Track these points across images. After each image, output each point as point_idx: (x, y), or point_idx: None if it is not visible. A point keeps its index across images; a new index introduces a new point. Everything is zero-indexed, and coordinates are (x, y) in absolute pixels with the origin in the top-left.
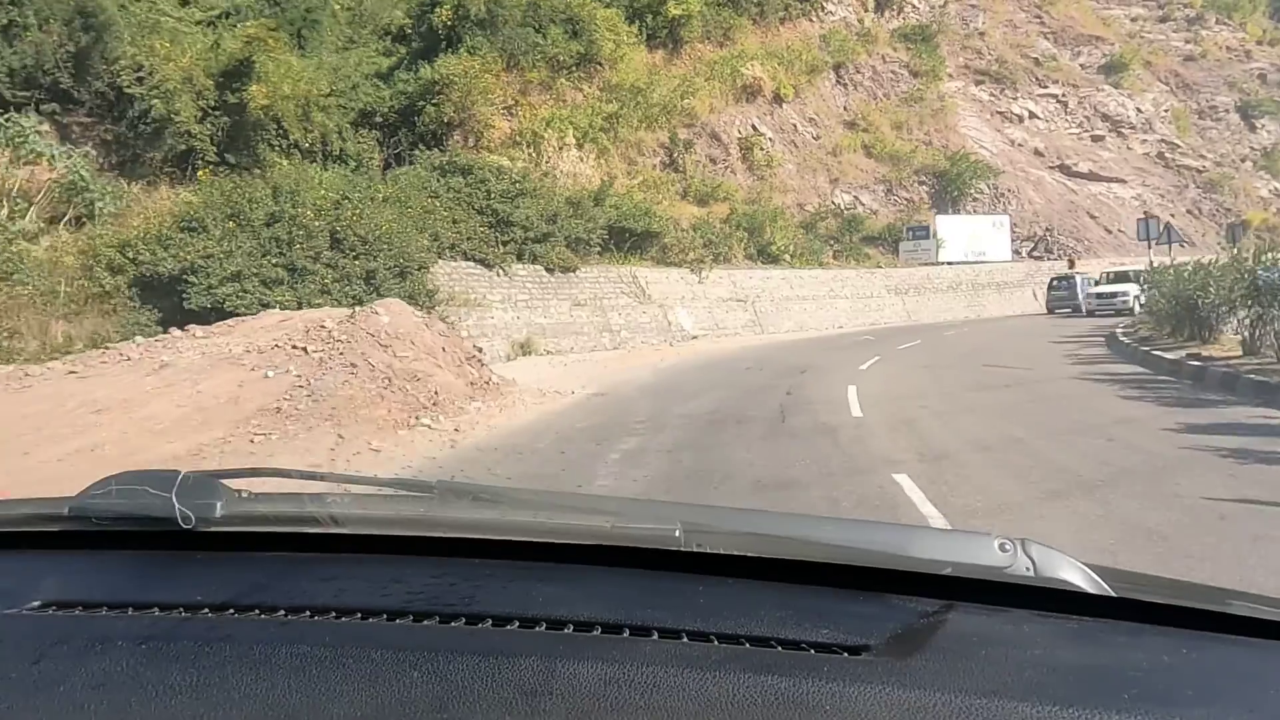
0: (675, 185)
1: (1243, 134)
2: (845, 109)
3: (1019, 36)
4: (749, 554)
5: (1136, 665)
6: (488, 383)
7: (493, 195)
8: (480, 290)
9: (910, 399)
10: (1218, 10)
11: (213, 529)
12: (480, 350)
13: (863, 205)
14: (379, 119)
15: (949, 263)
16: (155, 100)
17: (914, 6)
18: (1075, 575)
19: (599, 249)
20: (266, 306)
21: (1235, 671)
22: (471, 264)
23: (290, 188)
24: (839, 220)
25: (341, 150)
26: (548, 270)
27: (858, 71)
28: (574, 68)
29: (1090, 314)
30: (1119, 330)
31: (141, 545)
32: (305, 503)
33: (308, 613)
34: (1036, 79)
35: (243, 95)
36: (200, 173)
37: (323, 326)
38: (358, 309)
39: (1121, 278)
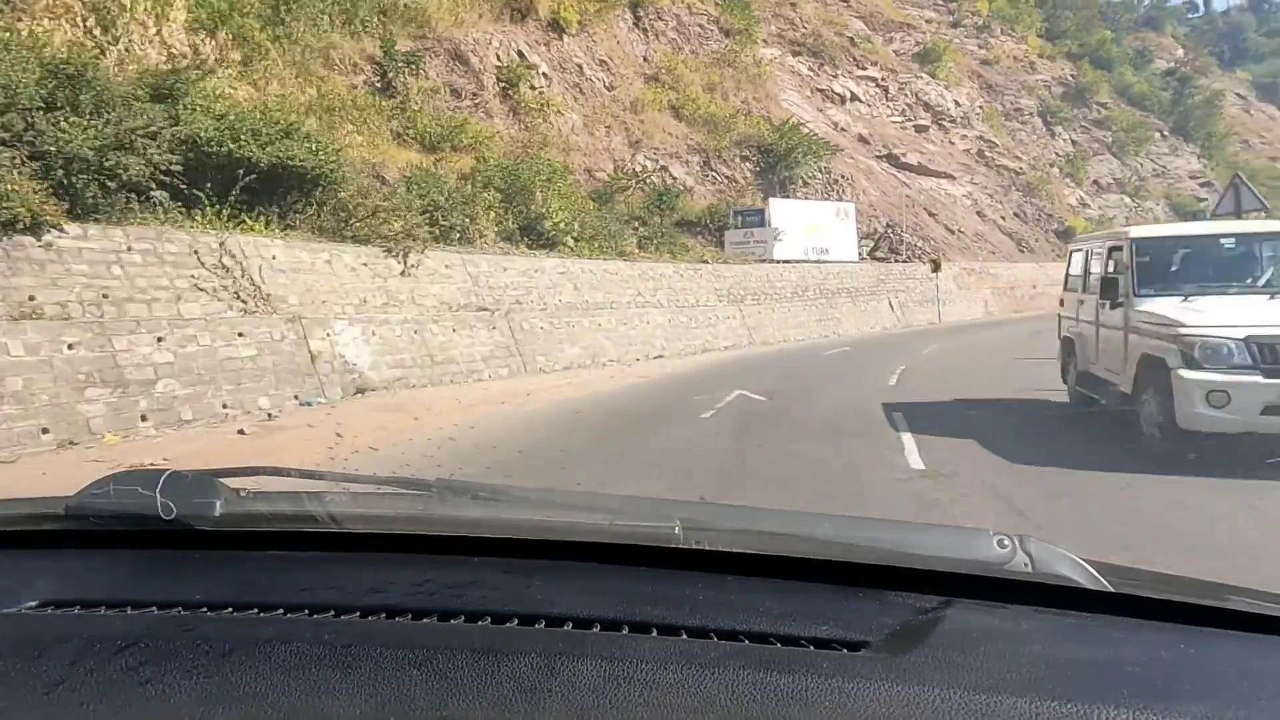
0: (388, 118)
1: (1046, 140)
2: (646, 59)
3: (831, 13)
4: (748, 551)
5: (1134, 660)
6: None
7: None
8: None
9: None
10: (1002, 21)
11: (211, 528)
12: None
13: (674, 179)
14: None
15: (786, 261)
16: None
17: None
18: (1073, 571)
19: (163, 192)
20: None
21: (1233, 667)
22: None
23: None
24: (645, 192)
25: None
26: None
27: (660, 18)
28: None
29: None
30: None
31: (139, 544)
32: (304, 501)
33: (306, 611)
34: (854, 59)
35: None
36: None
37: None
38: None
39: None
